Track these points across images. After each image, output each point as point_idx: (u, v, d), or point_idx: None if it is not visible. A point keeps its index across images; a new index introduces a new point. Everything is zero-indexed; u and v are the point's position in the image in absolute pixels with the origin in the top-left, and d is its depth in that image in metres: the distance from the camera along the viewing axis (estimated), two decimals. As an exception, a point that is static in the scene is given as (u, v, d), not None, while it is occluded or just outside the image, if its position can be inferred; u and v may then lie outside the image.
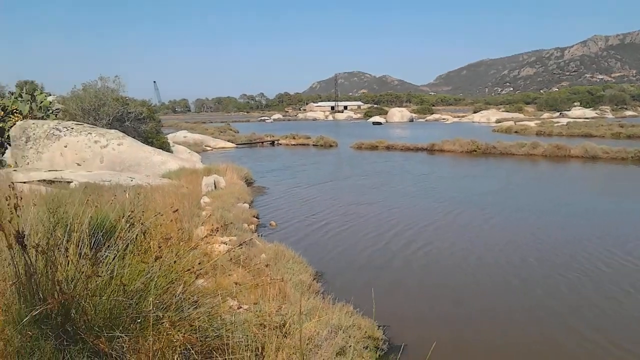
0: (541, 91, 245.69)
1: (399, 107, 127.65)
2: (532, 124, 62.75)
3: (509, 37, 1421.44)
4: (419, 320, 7.72)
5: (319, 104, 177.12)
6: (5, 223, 4.12)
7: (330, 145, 43.97)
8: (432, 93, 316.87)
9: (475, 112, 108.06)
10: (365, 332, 5.92)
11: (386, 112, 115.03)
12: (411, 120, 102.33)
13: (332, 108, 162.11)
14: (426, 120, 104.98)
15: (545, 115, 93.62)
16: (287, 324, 4.60)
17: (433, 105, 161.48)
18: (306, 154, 39.05)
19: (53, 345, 3.79)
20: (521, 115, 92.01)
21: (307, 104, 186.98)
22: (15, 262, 4.06)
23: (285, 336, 4.47)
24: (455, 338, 7.16)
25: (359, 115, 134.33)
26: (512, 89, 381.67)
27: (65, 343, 3.88)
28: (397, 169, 27.83)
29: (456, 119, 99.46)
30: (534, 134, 51.85)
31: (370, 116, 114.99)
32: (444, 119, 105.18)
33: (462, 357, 6.66)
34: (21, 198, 4.70)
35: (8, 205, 4.41)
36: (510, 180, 23.20)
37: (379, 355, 5.83)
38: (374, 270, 10.39)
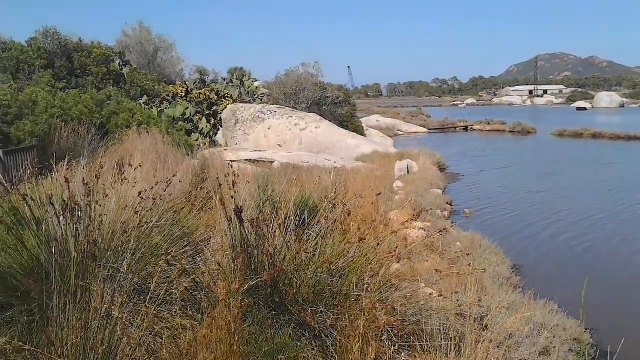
0: None
1: (607, 91, 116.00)
2: None
3: None
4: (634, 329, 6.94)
5: (516, 88, 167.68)
6: (226, 197, 4.51)
7: (529, 132, 41.28)
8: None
9: None
10: (571, 334, 5.48)
11: (592, 97, 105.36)
12: (622, 106, 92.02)
13: (530, 92, 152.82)
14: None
15: None
16: (488, 317, 4.42)
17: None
18: (502, 140, 37.30)
19: (263, 313, 4.08)
20: None
21: (502, 88, 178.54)
22: (232, 234, 4.42)
23: (484, 329, 4.31)
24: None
25: (560, 100, 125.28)
26: None
27: (273, 312, 4.15)
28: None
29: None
30: None
31: (574, 101, 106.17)
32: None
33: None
34: (238, 175, 5.10)
35: (227, 182, 4.82)
36: None
37: (585, 361, 5.36)
38: (579, 268, 9.59)
